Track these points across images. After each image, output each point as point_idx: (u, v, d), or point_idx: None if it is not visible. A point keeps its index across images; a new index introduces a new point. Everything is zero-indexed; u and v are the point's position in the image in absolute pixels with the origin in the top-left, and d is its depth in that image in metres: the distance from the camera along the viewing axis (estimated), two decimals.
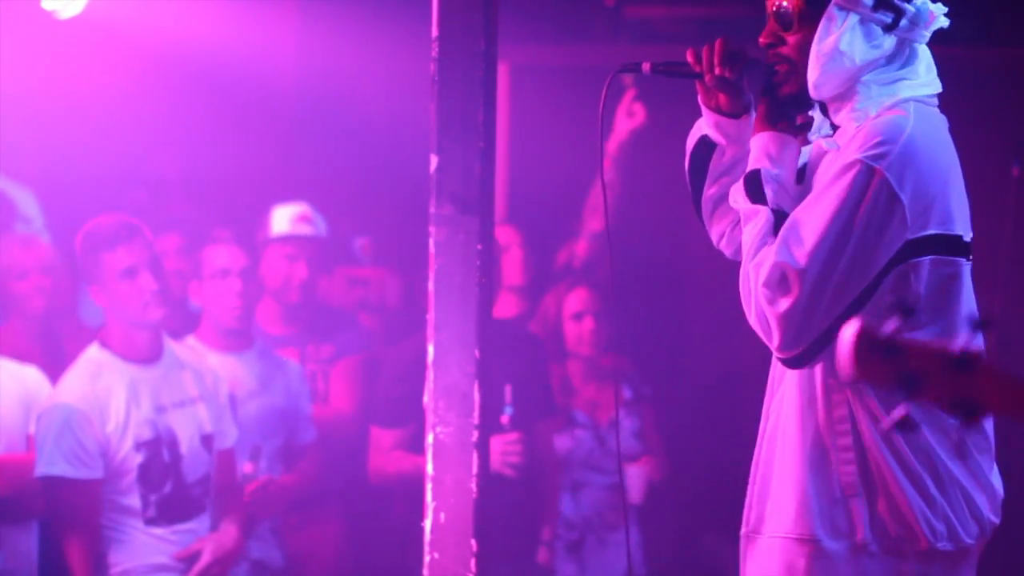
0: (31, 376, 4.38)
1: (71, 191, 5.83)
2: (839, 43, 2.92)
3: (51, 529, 4.19)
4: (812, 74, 2.95)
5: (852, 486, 2.92)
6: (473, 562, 3.28)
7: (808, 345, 2.84)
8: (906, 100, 2.95)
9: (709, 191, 3.20)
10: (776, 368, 3.03)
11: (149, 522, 4.18)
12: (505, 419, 4.73)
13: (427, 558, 3.30)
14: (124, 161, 6.33)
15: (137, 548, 4.18)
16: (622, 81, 5.70)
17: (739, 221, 3.08)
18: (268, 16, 6.63)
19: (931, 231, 2.87)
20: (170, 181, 6.40)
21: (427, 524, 3.30)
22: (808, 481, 2.94)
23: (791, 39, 2.99)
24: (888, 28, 2.94)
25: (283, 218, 5.22)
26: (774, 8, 3.01)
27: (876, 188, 2.82)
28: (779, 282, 2.83)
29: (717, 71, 3.03)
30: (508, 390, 4.74)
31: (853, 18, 2.93)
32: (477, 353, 3.29)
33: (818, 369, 2.92)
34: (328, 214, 5.46)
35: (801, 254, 2.82)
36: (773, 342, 2.85)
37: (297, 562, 4.97)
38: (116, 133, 6.36)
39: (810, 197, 2.90)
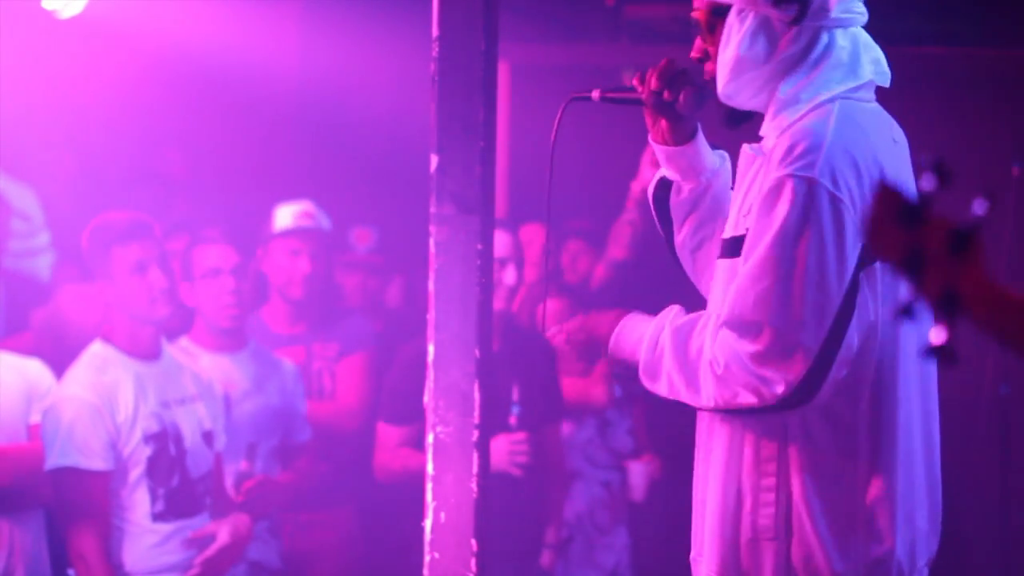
0: (33, 368, 4.38)
1: (76, 191, 5.83)
2: (740, 48, 2.78)
3: (62, 523, 4.16)
4: (719, 84, 2.82)
5: (768, 529, 2.79)
6: (473, 562, 3.28)
7: (804, 377, 2.66)
8: (831, 100, 2.77)
9: (679, 237, 3.06)
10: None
11: (157, 517, 4.17)
12: (513, 419, 4.74)
13: (427, 558, 3.30)
14: (129, 161, 6.34)
15: (144, 548, 4.17)
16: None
17: None
18: (270, 15, 6.64)
19: None
20: (176, 180, 6.41)
21: (427, 524, 3.30)
22: (723, 518, 2.85)
23: (711, 51, 2.86)
24: (795, 21, 2.76)
25: (286, 215, 5.24)
26: (693, 19, 2.90)
27: (816, 196, 2.65)
28: (749, 335, 2.67)
29: (653, 86, 2.91)
30: (515, 390, 4.75)
31: (753, 19, 2.77)
32: (477, 353, 3.29)
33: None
34: (329, 213, 5.46)
35: (756, 299, 2.65)
36: (775, 390, 2.66)
37: (299, 561, 4.97)
38: (118, 133, 6.37)
39: (749, 235, 2.73)
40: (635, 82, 2.98)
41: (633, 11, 7.18)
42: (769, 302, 2.65)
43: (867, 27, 2.93)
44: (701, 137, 3.02)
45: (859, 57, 2.82)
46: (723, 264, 2.89)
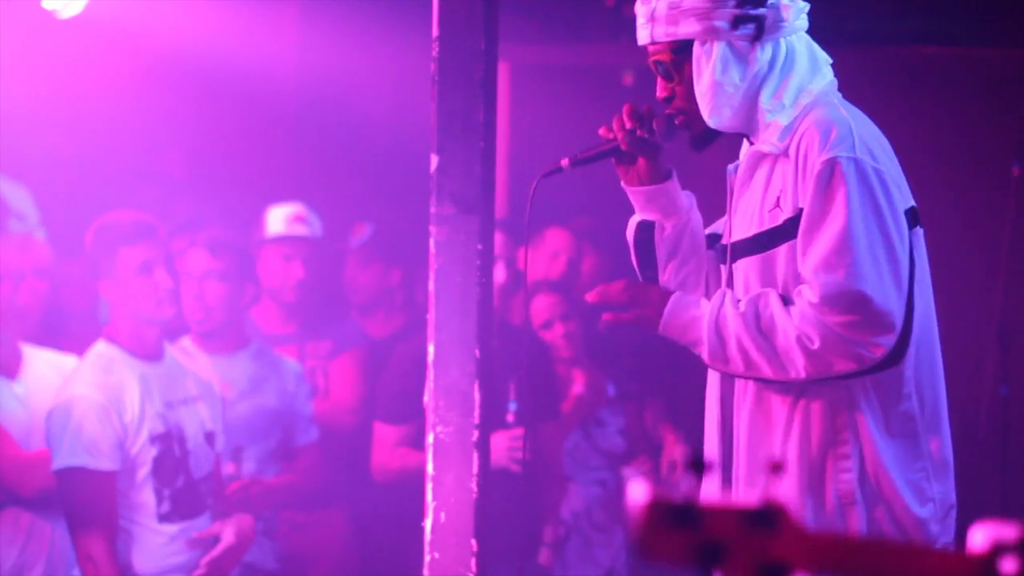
0: (70, 366, 4.37)
1: (75, 192, 5.83)
2: (715, 75, 2.95)
3: (69, 524, 4.12)
4: (704, 112, 2.98)
5: (849, 494, 2.94)
6: (473, 562, 3.28)
7: (898, 339, 2.86)
8: (824, 94, 2.97)
9: (663, 277, 3.14)
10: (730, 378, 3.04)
11: (163, 518, 4.16)
12: (511, 416, 4.75)
13: (427, 558, 3.30)
14: (129, 161, 6.34)
15: (152, 549, 4.16)
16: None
17: None
18: (269, 16, 6.64)
19: (909, 204, 2.95)
20: (176, 181, 6.40)
21: (427, 524, 3.30)
22: (805, 492, 2.94)
23: (678, 90, 3.02)
24: (755, 39, 2.96)
25: (278, 218, 5.24)
26: (653, 64, 3.04)
27: (865, 172, 2.86)
28: (846, 307, 2.83)
29: (629, 125, 3.03)
30: (512, 387, 4.75)
31: (719, 47, 2.95)
32: (477, 353, 3.30)
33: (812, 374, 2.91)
34: (329, 214, 5.46)
35: (847, 272, 2.83)
36: (874, 354, 2.84)
37: (297, 561, 4.97)
38: (119, 133, 6.36)
39: (806, 217, 2.89)
40: (602, 133, 3.09)
41: (633, 11, 7.18)
42: (859, 274, 2.83)
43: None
44: (674, 175, 3.13)
45: (816, 57, 3.03)
46: (751, 261, 3.01)
